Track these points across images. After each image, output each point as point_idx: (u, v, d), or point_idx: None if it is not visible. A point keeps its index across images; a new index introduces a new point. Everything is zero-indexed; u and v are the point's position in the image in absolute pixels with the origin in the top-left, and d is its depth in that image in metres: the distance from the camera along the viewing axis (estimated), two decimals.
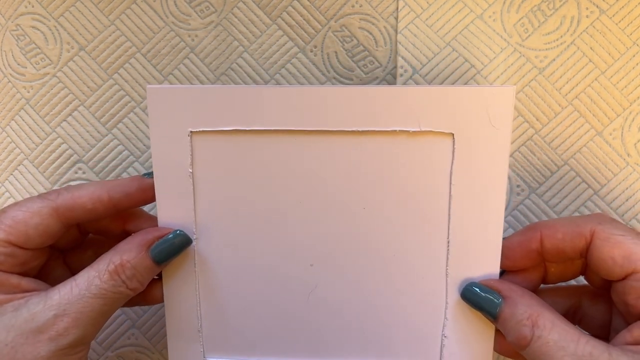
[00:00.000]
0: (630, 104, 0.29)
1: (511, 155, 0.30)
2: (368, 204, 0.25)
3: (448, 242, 0.25)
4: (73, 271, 0.26)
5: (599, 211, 0.29)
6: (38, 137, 0.33)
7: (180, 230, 0.25)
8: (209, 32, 0.32)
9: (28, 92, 0.33)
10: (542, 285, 0.26)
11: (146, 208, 0.31)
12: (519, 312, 0.22)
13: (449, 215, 0.25)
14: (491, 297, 0.24)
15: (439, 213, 0.25)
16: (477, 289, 0.24)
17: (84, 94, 0.32)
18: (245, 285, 0.27)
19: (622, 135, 0.29)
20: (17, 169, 0.33)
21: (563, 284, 0.26)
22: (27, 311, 0.22)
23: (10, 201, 0.33)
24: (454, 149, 0.24)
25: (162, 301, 0.27)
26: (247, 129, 0.25)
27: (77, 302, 0.23)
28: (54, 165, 0.33)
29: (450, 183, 0.25)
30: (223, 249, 0.26)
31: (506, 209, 0.30)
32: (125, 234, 0.26)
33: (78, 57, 0.32)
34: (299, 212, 0.26)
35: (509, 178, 0.30)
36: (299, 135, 0.25)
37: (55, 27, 0.32)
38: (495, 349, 0.26)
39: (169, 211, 0.26)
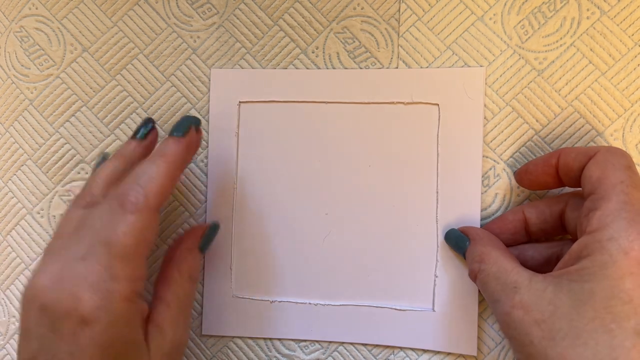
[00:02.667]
0: (631, 105, 0.31)
1: (512, 157, 0.32)
2: (372, 162, 0.33)
3: (437, 193, 0.32)
4: None
5: None
6: (41, 137, 0.35)
7: (212, 222, 0.32)
8: (210, 34, 0.34)
9: (32, 92, 0.35)
10: None
11: None
12: (475, 251, 0.28)
13: (437, 170, 0.32)
14: (462, 239, 0.30)
15: (429, 168, 0.32)
16: (453, 233, 0.31)
17: (87, 94, 0.34)
18: (270, 230, 0.33)
19: (623, 136, 0.31)
20: (20, 169, 0.35)
21: None
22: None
23: (14, 201, 0.35)
24: (439, 116, 0.32)
25: None
26: (281, 100, 0.33)
27: (178, 315, 0.29)
28: (57, 165, 0.35)
29: (437, 143, 0.32)
30: (255, 198, 0.34)
31: (506, 210, 0.32)
32: None
33: (81, 58, 0.34)
34: (317, 168, 0.33)
35: (509, 179, 0.32)
36: (319, 105, 0.33)
37: (59, 28, 0.34)
38: None
39: (218, 164, 0.34)
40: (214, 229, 0.32)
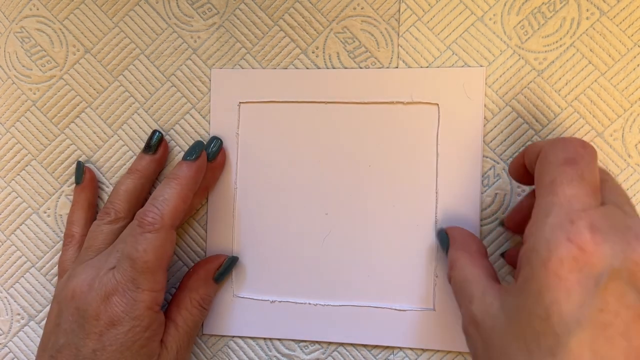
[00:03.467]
0: (631, 105, 0.31)
1: (512, 157, 0.32)
2: (372, 162, 0.33)
3: (436, 193, 0.32)
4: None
5: None
6: (46, 138, 0.35)
7: (230, 256, 0.34)
8: (211, 34, 0.34)
9: (34, 94, 0.35)
10: None
11: None
12: (449, 256, 0.29)
13: (437, 170, 0.32)
14: (444, 241, 0.31)
15: (428, 169, 0.33)
16: (439, 234, 0.31)
17: (90, 96, 0.35)
18: (271, 230, 0.34)
19: (622, 136, 0.31)
20: (24, 169, 0.36)
21: None
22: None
23: (18, 201, 0.36)
24: (439, 116, 0.32)
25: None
26: (281, 100, 0.34)
27: (184, 338, 0.31)
28: (62, 165, 0.35)
29: (437, 143, 0.32)
30: (255, 198, 0.34)
31: (507, 210, 0.32)
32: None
33: (84, 59, 0.35)
34: (317, 168, 0.34)
35: (509, 179, 0.32)
36: (319, 105, 0.33)
37: (61, 29, 0.35)
38: None
39: None
40: (231, 261, 0.33)
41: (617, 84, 0.31)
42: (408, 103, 0.33)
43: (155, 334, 0.29)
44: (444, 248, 0.31)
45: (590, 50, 0.31)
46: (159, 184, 0.35)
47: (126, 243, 0.29)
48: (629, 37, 0.31)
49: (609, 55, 0.31)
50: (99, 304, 0.28)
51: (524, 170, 0.27)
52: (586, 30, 0.31)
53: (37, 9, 0.35)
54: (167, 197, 0.29)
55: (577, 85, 0.31)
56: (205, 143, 0.33)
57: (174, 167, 0.31)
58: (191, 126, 0.34)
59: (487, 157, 0.32)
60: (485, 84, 0.32)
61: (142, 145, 0.35)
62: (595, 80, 0.31)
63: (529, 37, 0.32)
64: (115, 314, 0.28)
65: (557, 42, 0.31)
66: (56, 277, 0.35)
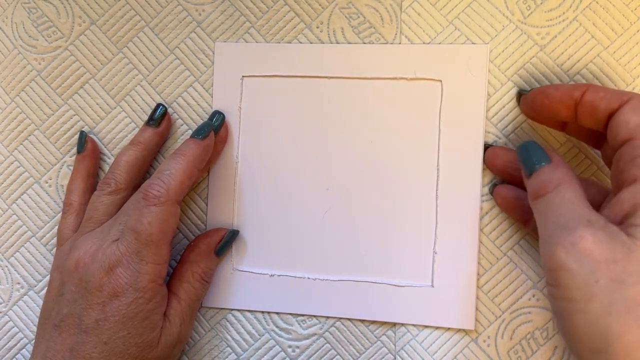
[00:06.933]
0: (633, 80, 0.32)
1: (514, 132, 0.33)
2: (374, 138, 0.34)
3: (438, 169, 0.33)
4: None
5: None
6: (50, 108, 0.36)
7: (231, 230, 0.34)
8: (216, 7, 0.35)
9: (39, 64, 0.36)
10: None
11: None
12: (556, 172, 0.26)
13: (439, 146, 0.33)
14: (543, 155, 0.27)
15: (430, 145, 0.33)
16: (532, 146, 0.28)
17: (94, 67, 0.36)
18: (271, 204, 0.35)
19: None
20: (27, 139, 0.37)
21: None
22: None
23: (20, 170, 0.37)
24: (442, 92, 0.33)
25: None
26: (284, 74, 0.34)
27: (187, 311, 0.32)
28: (65, 135, 0.36)
29: (439, 120, 0.33)
30: (257, 171, 0.35)
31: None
32: None
33: (89, 31, 0.36)
34: (319, 143, 0.34)
35: None
36: (322, 80, 0.34)
37: (67, 1, 0.36)
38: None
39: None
40: (232, 235, 0.34)
41: (619, 58, 0.32)
42: (411, 79, 0.33)
43: (158, 307, 0.30)
44: (533, 161, 0.27)
45: (593, 24, 0.32)
46: (160, 157, 0.35)
47: (130, 216, 0.29)
48: (632, 10, 0.31)
49: (612, 30, 0.32)
50: (102, 276, 0.29)
51: (570, 104, 0.27)
52: (589, 4, 0.32)
53: None
54: (174, 171, 0.30)
55: (579, 60, 0.32)
56: (218, 114, 0.34)
57: (181, 144, 0.32)
58: (194, 99, 0.35)
59: (489, 133, 0.33)
60: (488, 59, 0.33)
61: (145, 117, 0.36)
62: (598, 55, 0.32)
63: (531, 12, 0.32)
64: (119, 285, 0.29)
65: (560, 16, 0.32)
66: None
